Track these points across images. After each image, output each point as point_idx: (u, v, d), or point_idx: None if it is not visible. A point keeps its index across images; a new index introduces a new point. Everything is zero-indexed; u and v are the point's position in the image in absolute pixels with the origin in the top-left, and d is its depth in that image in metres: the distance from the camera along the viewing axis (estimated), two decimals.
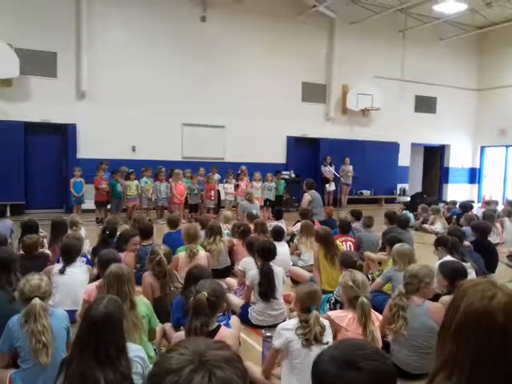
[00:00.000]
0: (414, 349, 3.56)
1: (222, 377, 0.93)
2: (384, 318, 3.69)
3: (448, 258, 5.15)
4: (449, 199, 15.34)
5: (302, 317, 3.09)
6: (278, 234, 6.34)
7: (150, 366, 2.69)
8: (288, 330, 3.06)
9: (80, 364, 2.29)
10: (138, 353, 2.62)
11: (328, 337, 3.08)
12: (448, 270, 4.24)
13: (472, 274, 4.94)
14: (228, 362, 0.97)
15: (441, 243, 5.60)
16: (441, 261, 4.97)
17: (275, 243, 5.20)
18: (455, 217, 10.62)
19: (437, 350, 1.45)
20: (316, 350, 2.94)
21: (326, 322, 3.19)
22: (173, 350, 1.02)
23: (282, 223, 8.03)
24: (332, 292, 4.69)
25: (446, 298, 4.06)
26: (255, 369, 3.35)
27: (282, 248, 6.04)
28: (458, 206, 11.67)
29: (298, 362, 3.01)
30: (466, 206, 10.87)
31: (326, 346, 2.93)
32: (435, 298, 4.12)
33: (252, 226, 6.70)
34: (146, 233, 5.91)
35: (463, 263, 4.79)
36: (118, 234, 5.47)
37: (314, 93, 15.62)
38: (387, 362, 1.19)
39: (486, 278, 1.67)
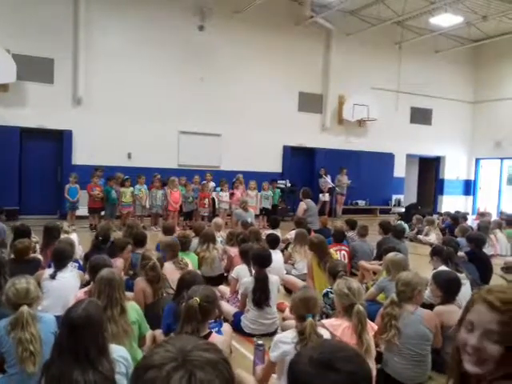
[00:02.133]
0: (408, 357, 3.52)
1: (202, 379, 0.91)
2: (378, 328, 3.65)
3: (443, 268, 5.13)
4: (443, 211, 15.37)
5: (298, 327, 3.01)
6: (274, 242, 6.31)
7: None
8: (286, 343, 2.98)
9: (59, 367, 2.27)
10: (121, 353, 2.58)
11: None
12: (442, 280, 4.21)
13: (467, 285, 4.91)
14: (212, 364, 0.94)
15: (436, 253, 5.59)
16: (435, 271, 4.95)
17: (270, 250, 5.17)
18: (447, 228, 10.65)
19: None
20: None
21: (325, 332, 3.12)
22: (161, 345, 1.01)
23: (277, 232, 8.00)
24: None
25: (441, 308, 4.04)
26: (249, 379, 3.29)
27: (276, 256, 6.00)
28: (449, 217, 11.70)
29: None
30: (457, 218, 10.89)
31: None
32: (430, 308, 4.09)
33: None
34: (140, 241, 5.84)
35: (458, 274, 4.77)
36: (111, 240, 5.42)
37: (310, 103, 15.68)
38: (365, 365, 1.17)
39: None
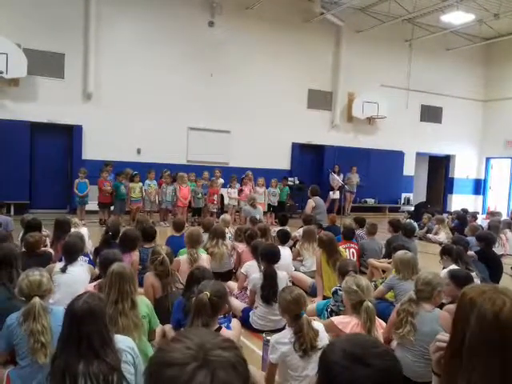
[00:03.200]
0: (421, 354, 3.50)
1: (224, 379, 0.91)
2: (390, 323, 3.64)
3: (453, 267, 5.10)
4: (453, 210, 15.27)
5: (294, 327, 3.01)
6: (285, 237, 6.33)
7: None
8: (283, 344, 2.99)
9: (64, 359, 2.30)
10: (126, 343, 2.60)
11: (323, 341, 3.00)
12: (462, 279, 4.17)
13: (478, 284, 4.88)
14: (232, 365, 0.94)
15: (446, 252, 5.56)
16: (447, 269, 4.91)
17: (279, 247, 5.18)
18: (456, 227, 10.59)
19: (445, 367, 1.39)
20: (314, 358, 2.88)
21: (320, 326, 3.14)
22: (178, 340, 0.99)
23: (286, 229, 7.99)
24: None
25: (452, 307, 4.02)
26: (257, 374, 3.29)
27: (284, 252, 6.00)
28: (455, 216, 11.63)
29: (297, 374, 2.95)
30: (465, 217, 10.80)
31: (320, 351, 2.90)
32: (440, 307, 4.06)
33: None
34: (149, 236, 5.87)
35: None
36: (121, 234, 5.44)
37: (319, 100, 15.63)
38: (397, 363, 1.19)
39: (489, 284, 1.62)
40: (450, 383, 1.37)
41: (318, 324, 3.14)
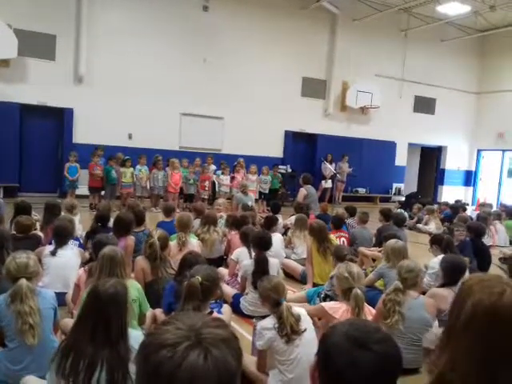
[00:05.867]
0: (411, 341, 3.56)
1: (217, 356, 0.90)
2: (377, 313, 3.68)
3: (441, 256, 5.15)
4: (442, 201, 15.37)
5: (276, 313, 3.06)
6: (271, 222, 6.35)
7: None
8: (269, 329, 3.03)
9: (74, 337, 2.27)
10: (138, 340, 2.40)
11: (304, 324, 3.05)
12: (448, 263, 4.30)
13: (466, 274, 4.93)
14: (225, 341, 0.94)
15: (435, 242, 5.61)
16: (439, 257, 4.98)
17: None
18: (446, 217, 10.68)
19: (440, 349, 1.41)
20: (298, 342, 2.95)
21: (301, 310, 3.18)
22: (168, 322, 0.99)
23: (279, 217, 8.00)
24: (323, 285, 4.68)
25: (435, 291, 4.09)
26: (248, 360, 3.30)
27: (275, 238, 6.03)
28: (448, 207, 11.72)
29: (284, 359, 2.99)
30: (457, 207, 10.89)
31: (304, 333, 2.97)
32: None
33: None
34: (138, 219, 5.82)
35: None
36: (115, 218, 5.39)
37: (313, 88, 15.57)
38: (397, 349, 1.20)
39: (492, 274, 1.64)
40: (438, 358, 1.39)
41: (299, 309, 3.17)
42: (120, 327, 2.32)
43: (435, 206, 11.96)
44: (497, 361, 1.25)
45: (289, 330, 2.95)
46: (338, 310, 3.34)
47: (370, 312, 3.55)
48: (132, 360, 2.26)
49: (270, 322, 3.09)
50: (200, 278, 2.91)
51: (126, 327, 2.37)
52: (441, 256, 5.15)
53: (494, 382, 1.24)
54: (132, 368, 2.26)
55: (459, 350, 1.30)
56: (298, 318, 3.02)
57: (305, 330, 2.98)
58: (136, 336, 2.46)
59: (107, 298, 2.31)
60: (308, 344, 2.95)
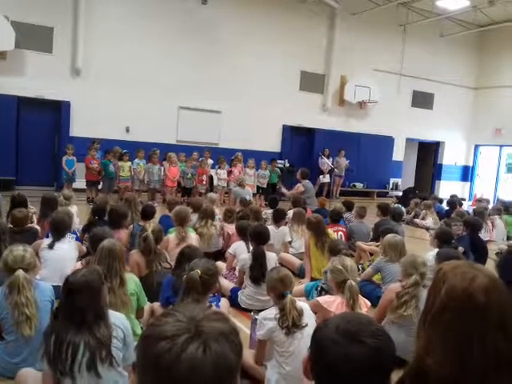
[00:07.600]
0: (414, 332, 3.56)
1: (217, 350, 0.90)
2: (382, 305, 3.69)
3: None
4: (440, 196, 15.39)
5: (279, 304, 3.07)
6: (280, 216, 6.45)
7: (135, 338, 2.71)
8: (270, 319, 3.04)
9: (57, 330, 2.35)
10: (121, 319, 2.62)
11: (307, 319, 3.05)
12: (443, 257, 4.26)
13: None
14: (225, 335, 0.93)
15: (437, 236, 5.62)
16: (435, 250, 4.99)
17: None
18: (443, 212, 10.70)
19: (418, 335, 1.43)
20: (299, 335, 2.96)
21: (305, 305, 3.18)
22: (169, 314, 0.98)
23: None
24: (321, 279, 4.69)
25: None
26: (246, 353, 3.31)
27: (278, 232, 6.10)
28: (445, 202, 11.72)
29: (283, 350, 3.00)
30: (454, 202, 10.91)
31: (305, 328, 2.96)
32: None
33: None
34: (148, 214, 5.80)
35: None
36: (109, 210, 5.37)
37: (311, 82, 15.53)
38: (390, 343, 1.19)
39: (464, 261, 1.65)
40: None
41: (302, 304, 3.17)
42: (97, 311, 2.41)
43: (431, 201, 11.97)
44: (470, 345, 1.27)
45: (290, 323, 2.96)
46: (333, 303, 3.36)
47: (365, 304, 3.56)
48: (114, 335, 2.43)
49: (271, 312, 3.10)
50: (199, 272, 2.92)
51: (103, 310, 2.46)
52: (436, 250, 5.18)
53: (467, 366, 1.26)
54: (114, 342, 2.43)
55: (434, 335, 1.34)
56: (300, 313, 3.02)
57: (306, 324, 2.98)
58: (117, 316, 2.60)
59: (78, 287, 2.39)
60: (308, 339, 2.93)
